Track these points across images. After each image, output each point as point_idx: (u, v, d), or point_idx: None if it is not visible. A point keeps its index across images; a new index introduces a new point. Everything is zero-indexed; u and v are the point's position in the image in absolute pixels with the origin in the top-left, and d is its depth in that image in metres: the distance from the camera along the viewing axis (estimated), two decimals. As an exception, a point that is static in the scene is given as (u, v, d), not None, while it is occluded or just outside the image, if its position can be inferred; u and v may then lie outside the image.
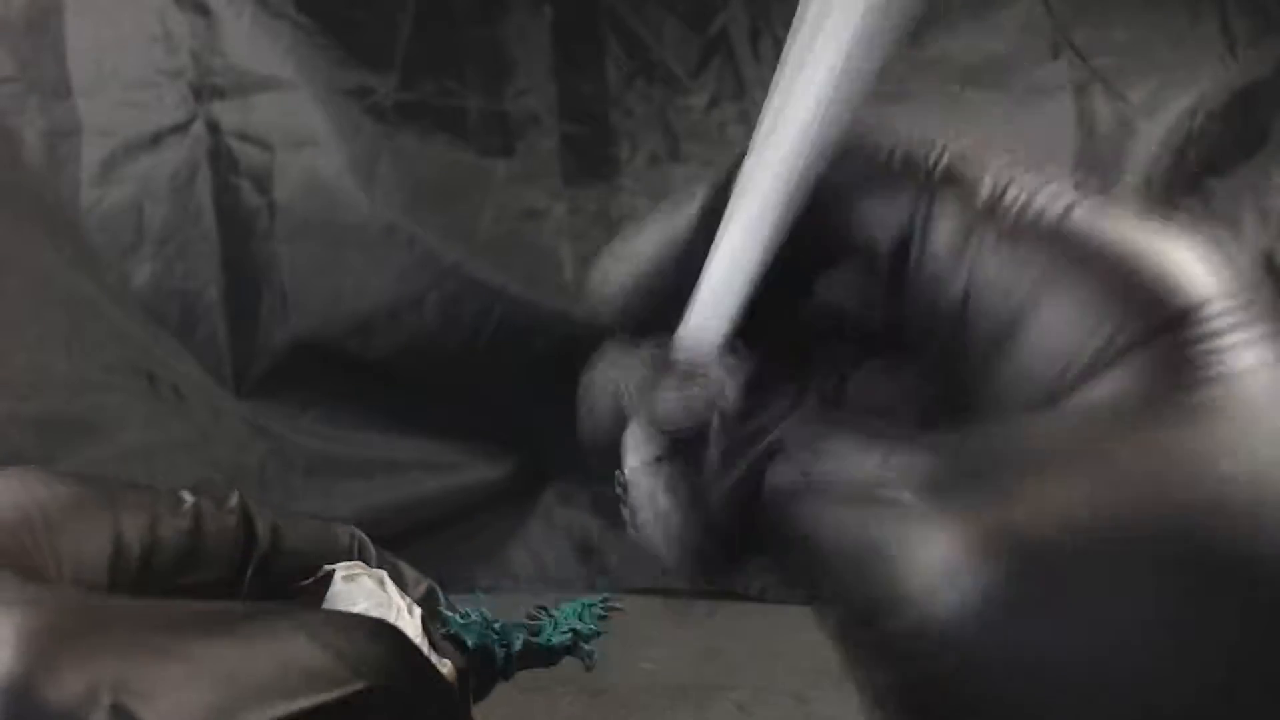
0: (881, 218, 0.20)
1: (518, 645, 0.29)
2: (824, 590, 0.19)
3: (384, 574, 0.27)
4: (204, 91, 0.99)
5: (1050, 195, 0.19)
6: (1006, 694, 0.16)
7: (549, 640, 0.30)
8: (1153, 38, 0.98)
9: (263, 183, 0.99)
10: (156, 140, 0.99)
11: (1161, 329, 0.17)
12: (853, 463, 0.19)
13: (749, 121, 1.03)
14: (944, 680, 0.16)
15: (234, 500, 0.26)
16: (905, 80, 1.01)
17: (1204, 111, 0.96)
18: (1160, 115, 0.97)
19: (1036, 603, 0.15)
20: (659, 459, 0.21)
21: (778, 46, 1.16)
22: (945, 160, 0.20)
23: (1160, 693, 0.15)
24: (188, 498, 0.26)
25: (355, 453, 0.99)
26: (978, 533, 0.16)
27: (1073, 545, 0.15)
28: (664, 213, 0.22)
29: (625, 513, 0.24)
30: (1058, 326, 0.18)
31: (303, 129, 0.98)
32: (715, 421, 0.21)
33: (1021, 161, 0.20)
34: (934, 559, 0.16)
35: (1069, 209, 0.19)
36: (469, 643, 0.28)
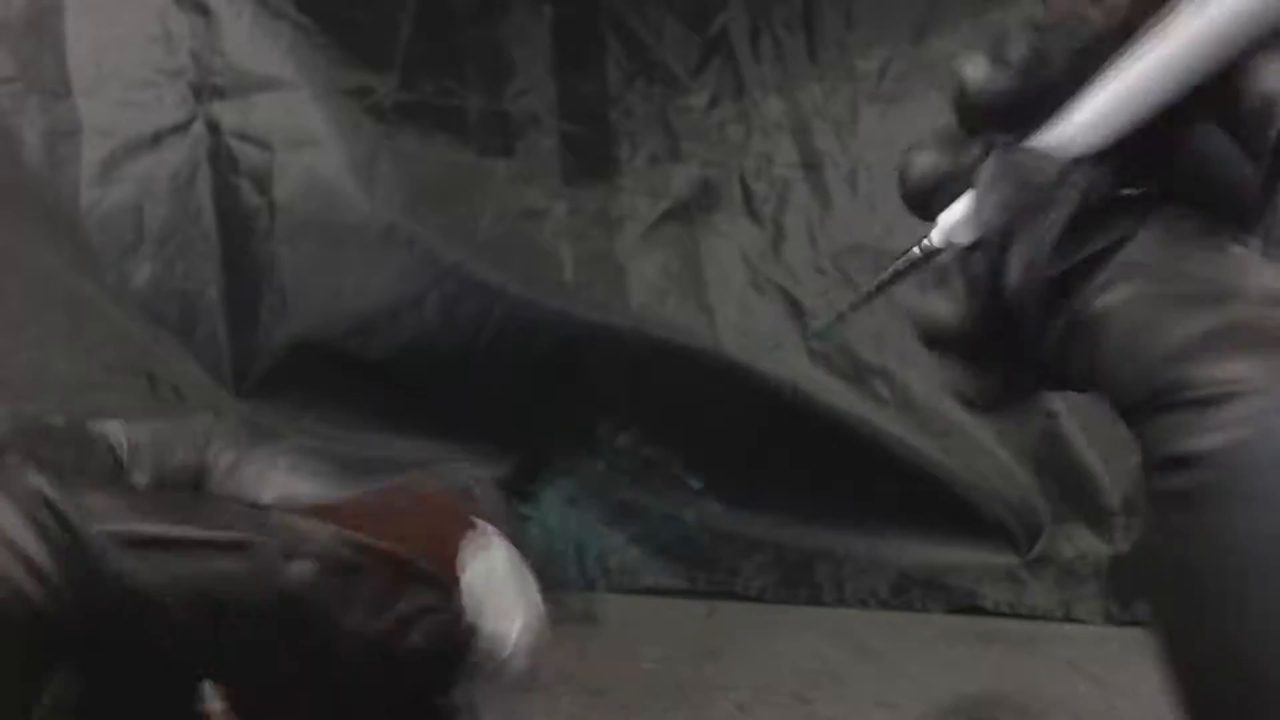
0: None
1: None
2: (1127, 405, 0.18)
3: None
4: (204, 91, 0.99)
5: None
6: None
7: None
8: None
9: (263, 183, 0.99)
10: (156, 140, 0.99)
11: None
12: (1196, 268, 0.18)
13: (749, 121, 1.03)
14: (1220, 516, 0.16)
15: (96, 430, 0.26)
16: (905, 80, 1.01)
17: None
18: None
19: None
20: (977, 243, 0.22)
21: (778, 46, 1.16)
22: None
23: None
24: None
25: (355, 453, 0.99)
26: None
27: None
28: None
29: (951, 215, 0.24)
30: None
31: (303, 129, 0.99)
32: (1050, 218, 0.21)
33: None
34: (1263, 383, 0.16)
35: None
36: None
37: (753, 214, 1.02)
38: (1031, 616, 0.91)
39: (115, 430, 0.26)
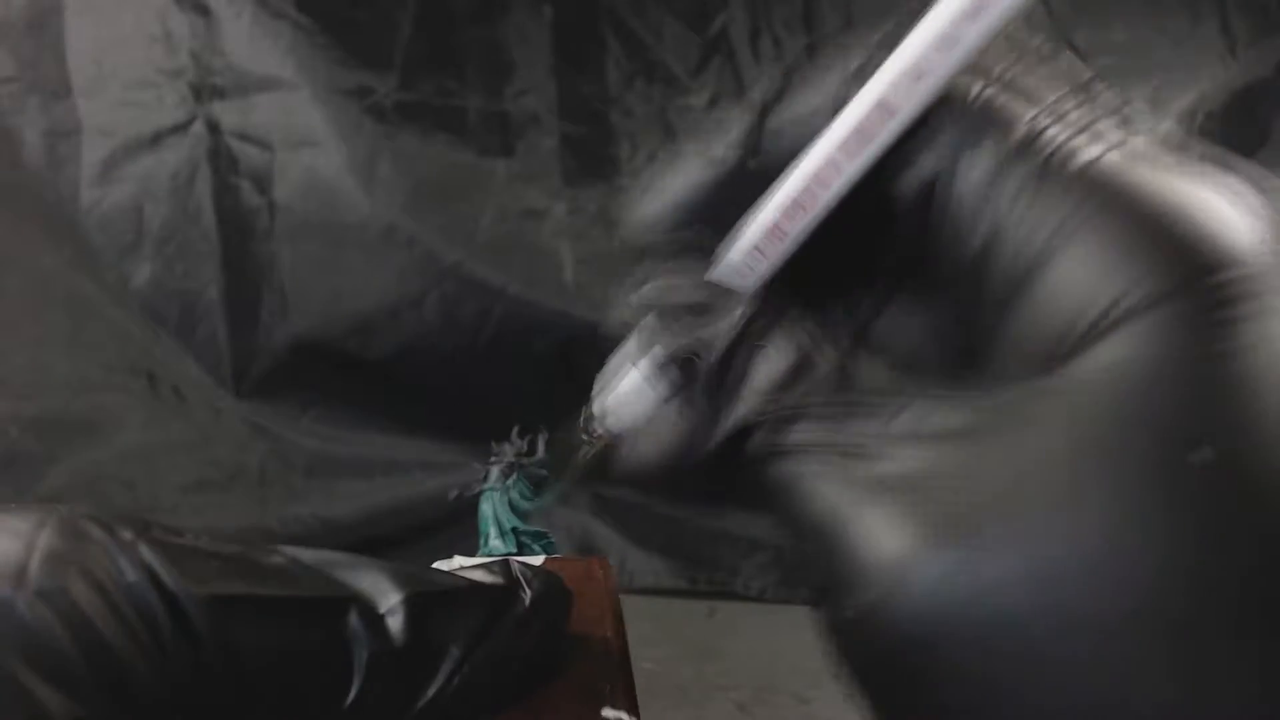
0: (912, 156, 0.19)
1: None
2: (797, 550, 0.19)
3: None
4: (204, 91, 0.99)
5: (1090, 137, 0.18)
6: (964, 669, 0.16)
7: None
8: (1153, 38, 0.98)
9: (263, 183, 0.99)
10: (156, 140, 0.99)
11: (1174, 292, 0.16)
12: (830, 434, 0.18)
13: (749, 121, 1.03)
14: (892, 654, 0.16)
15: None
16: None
17: (1204, 111, 0.96)
18: (1160, 115, 0.97)
19: (1000, 587, 0.15)
20: (663, 371, 0.22)
21: (778, 46, 1.15)
22: (988, 94, 0.19)
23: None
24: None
25: (355, 453, 0.99)
26: (941, 518, 0.16)
27: (1048, 535, 0.15)
28: (699, 149, 0.22)
29: (598, 408, 0.24)
30: (1070, 279, 0.17)
31: (303, 129, 0.99)
32: (711, 363, 0.20)
33: (1083, 95, 0.19)
34: (895, 542, 0.16)
35: (1104, 153, 0.17)
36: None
37: (753, 214, 1.02)
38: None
39: None
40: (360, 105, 0.99)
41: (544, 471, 0.33)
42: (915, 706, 0.17)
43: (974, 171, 0.18)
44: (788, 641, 0.85)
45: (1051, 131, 0.18)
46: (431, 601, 0.23)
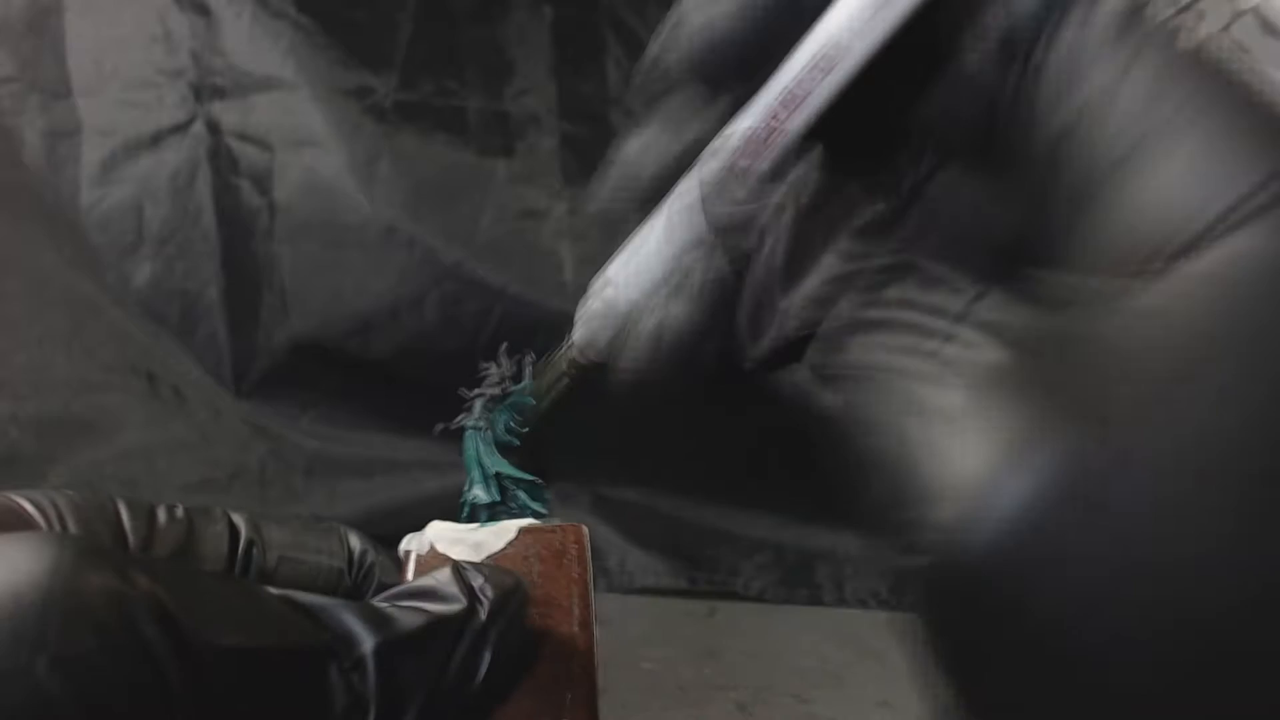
0: (1006, 3, 0.17)
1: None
2: (861, 459, 0.17)
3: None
4: (204, 91, 0.99)
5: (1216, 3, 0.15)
6: (1036, 601, 0.14)
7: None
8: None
9: (263, 183, 0.99)
10: (156, 140, 0.99)
11: None
12: (892, 357, 0.17)
13: (749, 121, 1.03)
14: (971, 577, 0.15)
15: (218, 511, 0.29)
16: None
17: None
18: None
19: (1086, 521, 0.14)
20: (707, 245, 0.20)
21: (778, 46, 1.14)
22: None
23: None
24: (180, 508, 0.28)
25: (355, 453, 0.99)
26: (1029, 440, 0.14)
27: (1138, 460, 0.14)
28: None
29: (610, 272, 0.23)
30: (1183, 171, 0.14)
31: (303, 129, 0.98)
32: (769, 241, 0.19)
33: None
34: (976, 461, 0.15)
35: (1234, 20, 0.15)
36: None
37: (753, 214, 1.02)
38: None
39: (240, 520, 0.29)
40: (360, 105, 0.99)
41: (530, 400, 0.32)
42: (1003, 639, 0.15)
43: (1078, 28, 0.16)
44: (788, 641, 0.85)
45: None
46: (396, 648, 0.24)
